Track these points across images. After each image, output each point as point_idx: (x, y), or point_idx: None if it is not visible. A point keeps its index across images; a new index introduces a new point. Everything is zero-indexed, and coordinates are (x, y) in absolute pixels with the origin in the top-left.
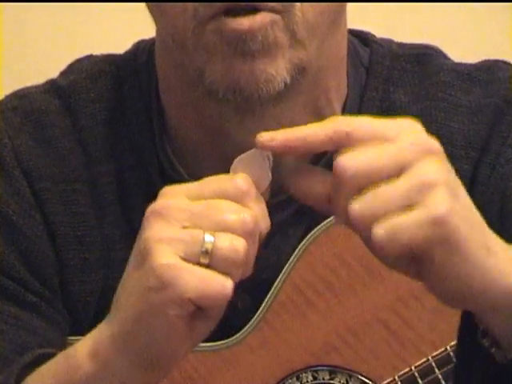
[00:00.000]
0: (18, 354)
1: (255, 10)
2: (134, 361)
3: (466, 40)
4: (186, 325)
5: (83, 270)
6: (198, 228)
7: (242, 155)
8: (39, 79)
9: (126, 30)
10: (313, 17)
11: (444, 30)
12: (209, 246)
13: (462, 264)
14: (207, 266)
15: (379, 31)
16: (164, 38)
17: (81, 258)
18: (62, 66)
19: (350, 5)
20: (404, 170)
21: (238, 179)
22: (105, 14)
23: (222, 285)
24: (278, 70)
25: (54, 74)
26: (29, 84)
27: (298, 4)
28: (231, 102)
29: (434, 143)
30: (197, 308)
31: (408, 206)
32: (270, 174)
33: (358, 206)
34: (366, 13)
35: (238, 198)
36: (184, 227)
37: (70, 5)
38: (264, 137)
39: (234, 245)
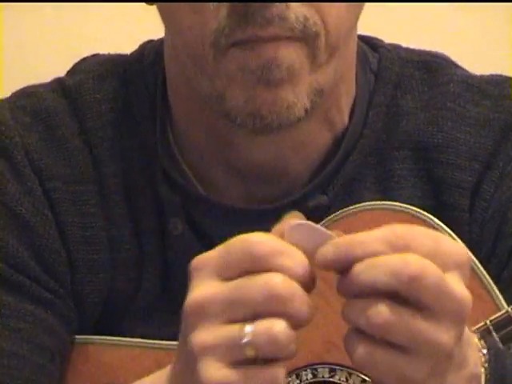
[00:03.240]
0: (35, 353)
1: (276, 39)
2: None
3: (465, 41)
4: None
5: (91, 270)
6: (236, 317)
7: (299, 223)
8: (40, 79)
9: (133, 30)
10: (336, 39)
11: (443, 31)
12: (250, 338)
13: None
14: (255, 357)
15: (377, 32)
16: (177, 50)
17: (89, 259)
18: (64, 65)
19: None
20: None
21: (259, 239)
22: (110, 14)
23: (272, 377)
24: (299, 96)
25: (55, 73)
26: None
27: (323, 31)
28: (249, 126)
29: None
30: None
31: (407, 350)
32: None
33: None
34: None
35: (263, 261)
36: (222, 322)
37: (76, 5)
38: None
39: (272, 330)
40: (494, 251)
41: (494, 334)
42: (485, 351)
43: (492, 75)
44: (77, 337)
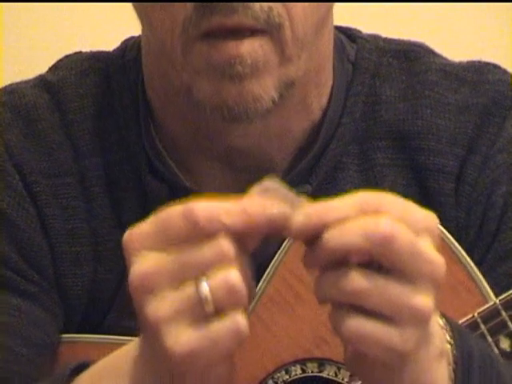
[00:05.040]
0: (22, 346)
1: (244, 33)
2: None
3: (465, 40)
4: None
5: (74, 263)
6: (186, 280)
7: (267, 187)
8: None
9: (117, 27)
10: (302, 33)
11: (443, 30)
12: (207, 294)
13: None
14: (216, 311)
15: (376, 29)
16: (151, 45)
17: (72, 252)
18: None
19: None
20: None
21: (187, 210)
22: (96, 13)
23: (235, 325)
24: (266, 89)
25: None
26: None
27: (286, 23)
28: (219, 118)
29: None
30: None
31: (392, 319)
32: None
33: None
34: (365, 13)
35: (197, 230)
36: (173, 288)
37: (65, 5)
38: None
39: (228, 280)
40: (480, 235)
41: (482, 326)
42: (448, 328)
43: (470, 61)
44: (65, 336)
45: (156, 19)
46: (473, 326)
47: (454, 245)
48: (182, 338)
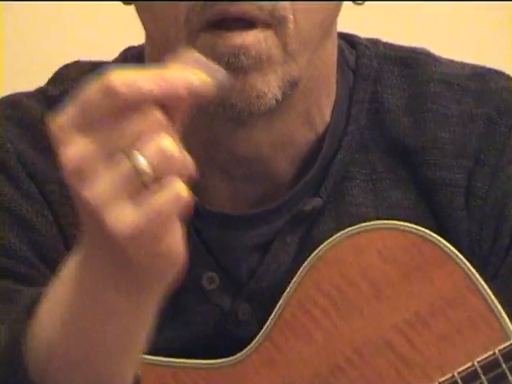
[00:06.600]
0: None
1: (248, 24)
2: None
3: (465, 40)
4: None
5: None
6: (118, 154)
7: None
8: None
9: (117, 30)
10: (306, 29)
11: (443, 30)
12: (143, 164)
13: None
14: (154, 183)
15: (375, 32)
16: (155, 46)
17: None
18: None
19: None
20: None
21: (103, 82)
22: (96, 13)
23: (176, 192)
24: (269, 86)
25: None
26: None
27: (290, 16)
28: (222, 116)
29: None
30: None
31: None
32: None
33: None
34: (367, 14)
35: (118, 100)
36: (107, 167)
37: (65, 5)
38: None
39: (160, 145)
40: (494, 249)
41: (503, 365)
42: None
43: (473, 68)
44: None
45: (160, 10)
46: (494, 363)
47: (474, 274)
48: (124, 215)
